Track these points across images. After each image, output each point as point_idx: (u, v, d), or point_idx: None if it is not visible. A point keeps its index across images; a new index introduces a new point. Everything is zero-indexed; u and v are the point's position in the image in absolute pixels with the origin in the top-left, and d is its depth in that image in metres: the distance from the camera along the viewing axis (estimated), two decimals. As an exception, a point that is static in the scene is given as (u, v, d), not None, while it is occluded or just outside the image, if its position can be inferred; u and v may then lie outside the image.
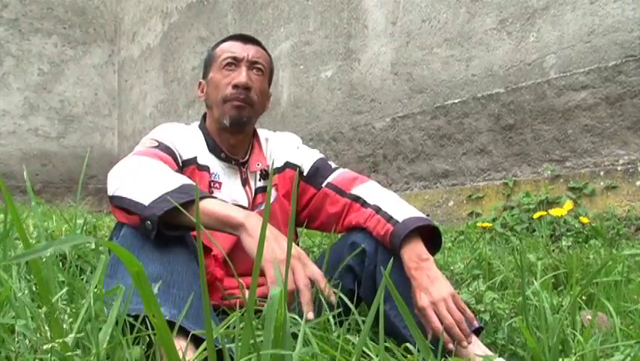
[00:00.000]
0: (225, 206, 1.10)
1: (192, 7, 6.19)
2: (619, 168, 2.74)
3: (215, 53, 1.49)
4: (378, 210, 1.30)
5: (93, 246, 1.57)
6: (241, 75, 1.41)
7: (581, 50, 2.89)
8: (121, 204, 1.11)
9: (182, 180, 1.12)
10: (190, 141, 1.43)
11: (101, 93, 7.70)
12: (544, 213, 2.53)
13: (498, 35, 3.27)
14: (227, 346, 0.80)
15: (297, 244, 1.57)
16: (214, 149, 1.45)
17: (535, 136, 3.10)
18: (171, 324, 0.89)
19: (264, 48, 1.53)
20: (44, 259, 0.73)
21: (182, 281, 1.03)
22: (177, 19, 6.45)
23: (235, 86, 1.41)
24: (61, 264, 1.59)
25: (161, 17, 6.81)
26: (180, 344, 0.93)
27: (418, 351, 0.88)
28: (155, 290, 0.96)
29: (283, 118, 4.86)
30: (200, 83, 1.54)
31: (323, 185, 1.46)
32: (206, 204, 1.08)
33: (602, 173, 2.79)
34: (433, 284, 1.15)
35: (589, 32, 2.86)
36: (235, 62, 1.44)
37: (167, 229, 1.05)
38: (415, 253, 1.20)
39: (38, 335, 0.72)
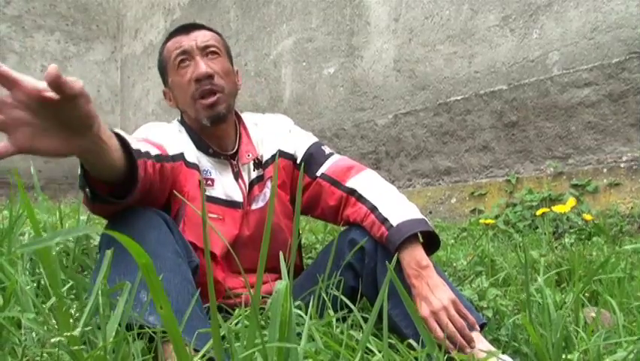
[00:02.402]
0: None
1: (195, 4, 6.19)
2: (622, 165, 2.73)
3: (165, 56, 1.41)
4: (373, 209, 1.26)
5: (97, 241, 1.57)
6: (198, 66, 1.33)
7: (584, 46, 2.89)
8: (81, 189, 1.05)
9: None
10: (175, 138, 1.35)
11: (103, 90, 7.71)
12: (547, 210, 2.53)
13: (501, 32, 3.26)
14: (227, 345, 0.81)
15: (298, 232, 1.51)
16: (201, 145, 1.38)
17: (538, 133, 3.09)
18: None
19: (209, 29, 1.43)
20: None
21: (171, 289, 1.00)
22: (180, 16, 6.44)
23: (197, 80, 1.33)
24: (64, 260, 1.59)
25: (163, 14, 6.80)
26: (168, 348, 0.93)
27: (423, 347, 0.88)
28: (146, 298, 0.95)
29: (286, 115, 4.84)
30: (164, 92, 1.47)
31: (317, 174, 1.40)
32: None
33: (605, 170, 2.79)
34: (433, 293, 1.14)
35: (592, 29, 2.85)
36: (187, 56, 1.35)
37: (105, 192, 1.01)
38: (414, 259, 1.17)
39: (45, 328, 0.72)
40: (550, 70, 3.03)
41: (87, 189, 0.99)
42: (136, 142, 1.10)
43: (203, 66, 1.33)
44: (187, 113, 1.41)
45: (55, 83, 0.71)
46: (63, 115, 0.76)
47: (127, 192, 1.02)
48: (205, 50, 1.37)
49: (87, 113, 0.79)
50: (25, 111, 0.75)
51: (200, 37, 1.38)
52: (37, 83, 0.74)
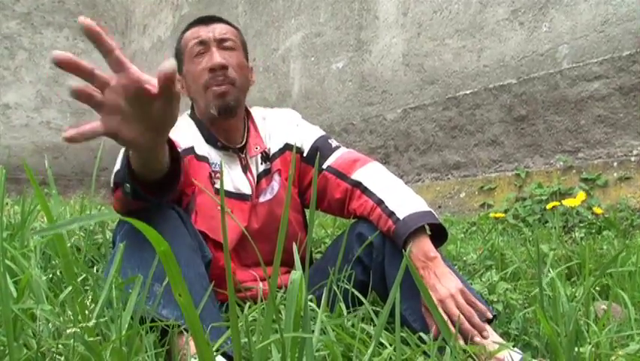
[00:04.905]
0: None
1: None
2: (632, 158, 2.72)
3: (182, 45, 1.43)
4: (380, 203, 1.26)
5: (107, 236, 1.59)
6: (213, 57, 1.35)
7: (594, 39, 2.87)
8: (114, 185, 1.06)
9: None
10: (184, 132, 1.37)
11: (112, 86, 7.73)
12: (557, 203, 2.52)
13: (510, 26, 3.24)
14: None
15: (305, 225, 1.51)
16: (209, 139, 1.39)
17: (548, 127, 3.08)
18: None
19: (228, 23, 1.46)
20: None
21: (186, 283, 1.01)
22: (188, 12, 6.45)
23: (211, 70, 1.34)
24: (76, 254, 1.60)
25: (171, 9, 6.81)
26: (181, 341, 0.94)
27: (436, 339, 0.89)
28: (158, 290, 0.96)
29: (294, 109, 4.84)
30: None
31: (323, 167, 1.40)
32: None
33: (615, 164, 2.77)
34: (440, 281, 1.13)
35: (603, 22, 2.83)
36: (203, 46, 1.38)
37: (145, 189, 1.00)
38: (421, 251, 1.17)
39: (61, 319, 0.73)
40: (559, 63, 3.01)
41: (127, 185, 0.99)
42: None
43: (217, 57, 1.35)
44: (197, 102, 1.43)
45: (168, 80, 0.75)
46: (152, 109, 0.79)
47: (164, 190, 1.03)
48: (222, 43, 1.39)
49: (174, 112, 0.82)
50: (121, 97, 0.78)
51: (219, 30, 1.40)
52: (142, 74, 0.77)
